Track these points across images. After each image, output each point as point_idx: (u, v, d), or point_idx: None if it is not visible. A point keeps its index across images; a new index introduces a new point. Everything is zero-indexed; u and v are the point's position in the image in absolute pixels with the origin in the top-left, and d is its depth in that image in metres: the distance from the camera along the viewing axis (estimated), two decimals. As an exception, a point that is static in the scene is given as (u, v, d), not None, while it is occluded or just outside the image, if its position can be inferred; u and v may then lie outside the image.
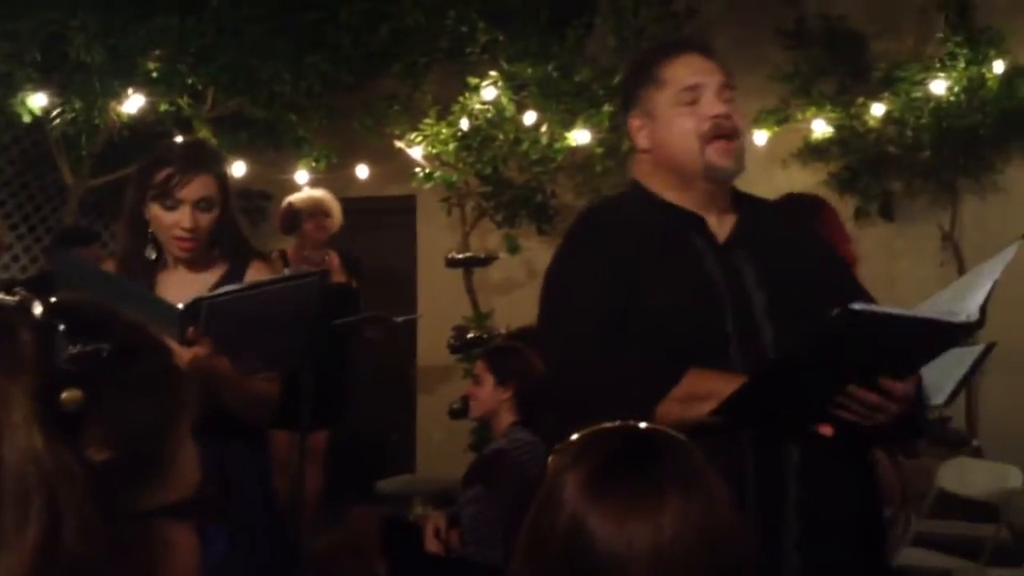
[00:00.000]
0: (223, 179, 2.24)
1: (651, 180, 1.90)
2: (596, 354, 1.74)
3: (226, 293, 2.04)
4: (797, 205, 2.99)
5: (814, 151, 5.40)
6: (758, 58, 5.45)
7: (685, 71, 1.84)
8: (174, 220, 2.14)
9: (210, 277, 2.22)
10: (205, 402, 2.06)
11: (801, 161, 5.52)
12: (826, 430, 1.67)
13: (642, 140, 1.89)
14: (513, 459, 3.04)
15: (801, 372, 1.64)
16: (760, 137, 5.34)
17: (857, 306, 1.52)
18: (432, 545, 2.99)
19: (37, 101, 4.70)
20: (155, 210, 2.15)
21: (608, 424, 1.02)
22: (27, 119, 4.76)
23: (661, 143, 1.85)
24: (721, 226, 1.88)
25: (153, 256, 2.21)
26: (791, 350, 1.68)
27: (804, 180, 5.56)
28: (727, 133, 1.81)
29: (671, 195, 1.87)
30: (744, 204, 1.94)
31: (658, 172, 1.89)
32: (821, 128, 5.24)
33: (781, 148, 5.47)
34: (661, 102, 1.84)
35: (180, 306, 1.97)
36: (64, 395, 0.60)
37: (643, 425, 1.03)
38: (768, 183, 5.46)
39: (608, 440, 1.00)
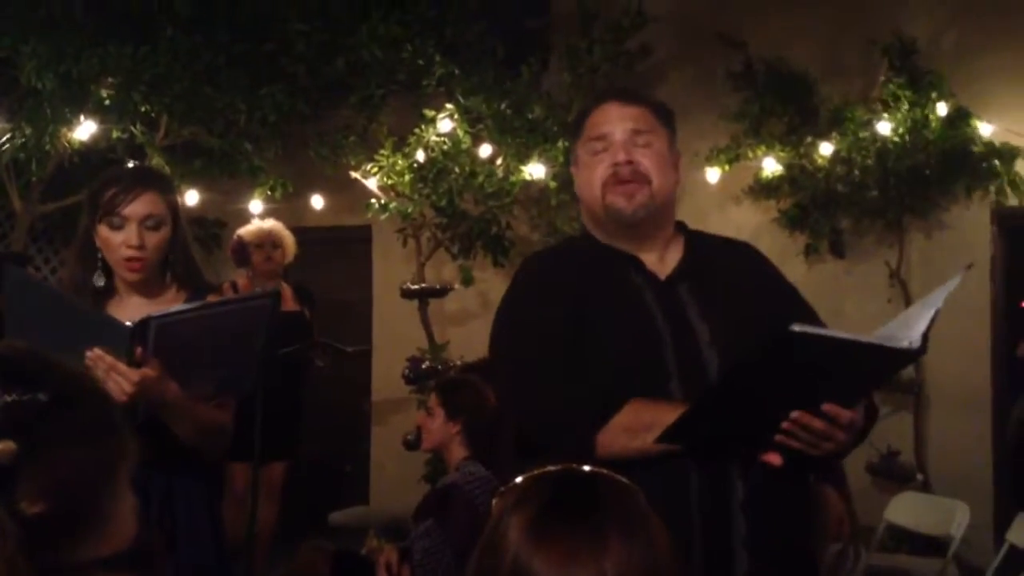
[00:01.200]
0: (171, 199, 2.20)
1: (590, 224, 1.98)
2: (539, 385, 1.77)
3: (176, 313, 1.99)
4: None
5: (765, 188, 5.51)
6: (710, 98, 5.56)
7: (597, 120, 1.93)
8: (121, 239, 2.11)
9: (165, 303, 2.17)
10: (153, 431, 2.02)
11: (752, 198, 5.62)
12: (773, 459, 1.67)
13: (577, 188, 2.00)
14: (465, 494, 3.03)
15: (744, 396, 1.64)
16: (712, 174, 5.43)
17: (798, 328, 1.52)
18: (383, 580, 2.95)
19: (-15, 126, 4.64)
20: (103, 231, 2.12)
21: (551, 467, 1.03)
22: (-26, 145, 4.69)
23: (579, 189, 1.96)
24: (664, 263, 1.92)
25: (101, 283, 2.17)
26: (732, 372, 1.69)
27: (755, 217, 5.67)
28: (625, 178, 1.87)
29: (603, 236, 1.94)
30: (691, 240, 1.98)
31: (587, 216, 1.98)
32: (771, 166, 5.34)
33: (733, 185, 5.57)
34: (580, 151, 1.95)
35: (128, 324, 1.93)
36: None
37: (586, 468, 1.04)
38: (721, 219, 5.56)
39: (551, 483, 1.00)
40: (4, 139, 4.73)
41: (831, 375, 1.63)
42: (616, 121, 1.90)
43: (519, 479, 1.03)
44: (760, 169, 5.42)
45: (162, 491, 2.12)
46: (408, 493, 5.70)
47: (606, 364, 1.77)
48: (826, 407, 1.63)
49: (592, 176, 1.89)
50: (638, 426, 1.70)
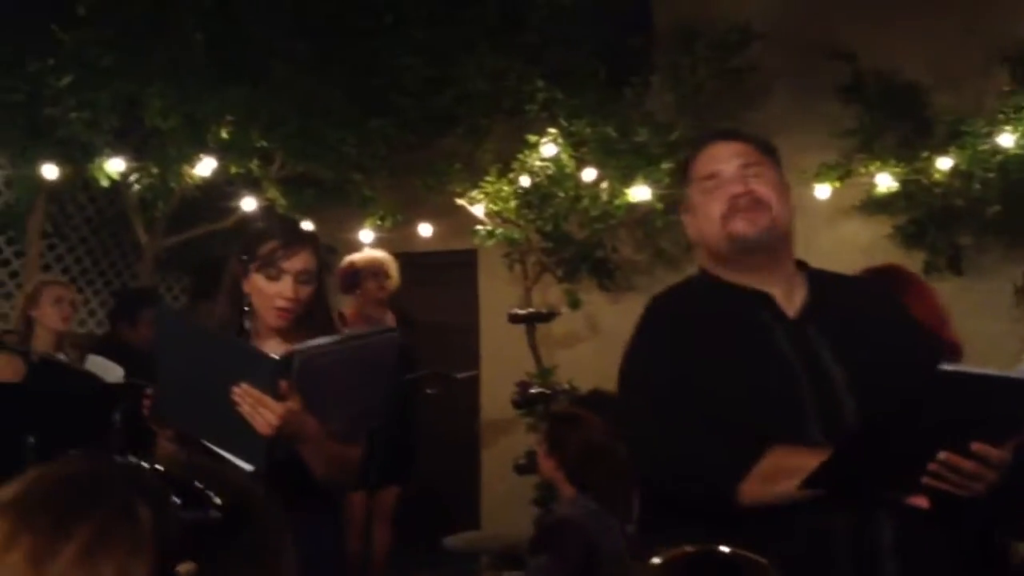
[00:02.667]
0: (320, 257, 2.32)
1: (709, 266, 1.97)
2: (674, 438, 1.75)
3: (318, 347, 2.05)
4: (884, 278, 2.95)
5: (878, 204, 5.35)
6: (818, 113, 5.45)
7: (704, 161, 1.95)
8: (276, 290, 2.21)
9: None
10: (286, 466, 2.07)
11: (864, 214, 5.47)
12: (920, 502, 1.63)
13: (691, 233, 2.00)
14: (579, 528, 3.02)
15: (890, 439, 1.61)
16: (822, 191, 5.31)
17: (948, 367, 1.50)
18: (499, 613, 2.98)
19: (114, 166, 4.87)
20: (258, 280, 2.22)
21: (690, 547, 1.03)
22: (105, 183, 4.93)
23: (698, 231, 1.96)
24: (790, 301, 1.88)
25: (248, 325, 2.28)
26: (879, 416, 1.64)
27: (868, 233, 5.52)
28: (744, 207, 1.87)
29: (733, 273, 1.91)
30: (814, 279, 1.95)
31: (710, 258, 1.96)
32: (885, 182, 5.19)
33: (844, 201, 5.44)
34: (692, 194, 1.96)
35: (275, 357, 2.00)
36: (181, 568, 0.62)
37: (725, 549, 1.03)
38: (832, 236, 5.44)
39: (690, 565, 1.00)
40: (133, 179, 4.96)
41: (980, 413, 1.59)
42: (725, 158, 1.92)
43: (657, 559, 1.03)
44: (873, 185, 5.27)
45: (295, 526, 2.18)
46: (519, 516, 5.73)
47: (741, 408, 1.74)
48: (975, 447, 1.59)
49: (709, 212, 1.90)
50: (779, 473, 1.67)
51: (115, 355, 4.22)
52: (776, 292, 1.88)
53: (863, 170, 5.26)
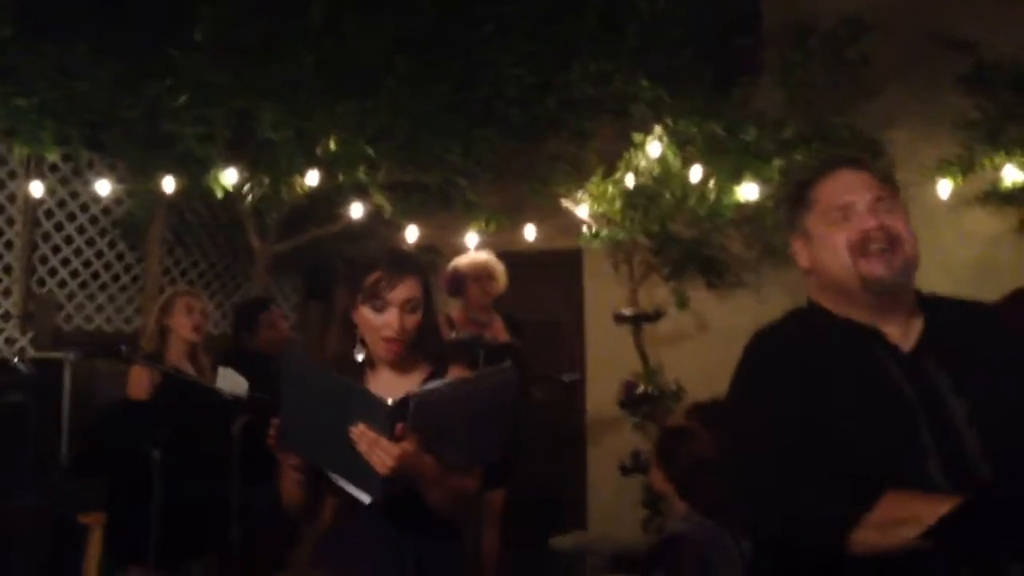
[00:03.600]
0: (427, 283, 2.33)
1: (821, 298, 1.88)
2: (784, 486, 1.69)
3: (432, 391, 2.08)
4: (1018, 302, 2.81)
5: (1003, 197, 5.12)
6: (936, 105, 5.23)
7: (833, 189, 1.84)
8: (383, 321, 2.23)
9: (415, 378, 2.29)
10: (407, 498, 2.11)
11: (990, 206, 5.24)
12: None
13: (803, 261, 1.90)
14: (693, 545, 2.99)
15: None
16: (944, 187, 5.10)
17: None
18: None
19: (228, 177, 5.02)
20: (365, 313, 2.25)
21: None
22: (220, 194, 5.09)
23: (819, 261, 1.85)
24: (906, 334, 1.81)
25: (361, 357, 2.31)
26: (1016, 463, 1.56)
27: (992, 226, 5.29)
28: (880, 245, 1.78)
29: (843, 310, 1.84)
30: (933, 309, 1.86)
31: (824, 290, 1.87)
32: (1012, 175, 4.95)
33: (967, 193, 5.21)
34: (814, 222, 1.86)
35: (389, 402, 2.03)
36: None
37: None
38: (954, 229, 5.23)
39: None
40: (246, 189, 5.11)
41: None
42: (858, 189, 1.82)
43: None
44: (999, 178, 5.04)
45: (416, 555, 2.22)
46: (626, 517, 5.72)
47: (856, 449, 1.67)
48: None
49: (835, 244, 1.81)
50: (894, 522, 1.59)
51: (240, 363, 4.40)
52: (891, 328, 1.80)
53: (987, 162, 5.03)
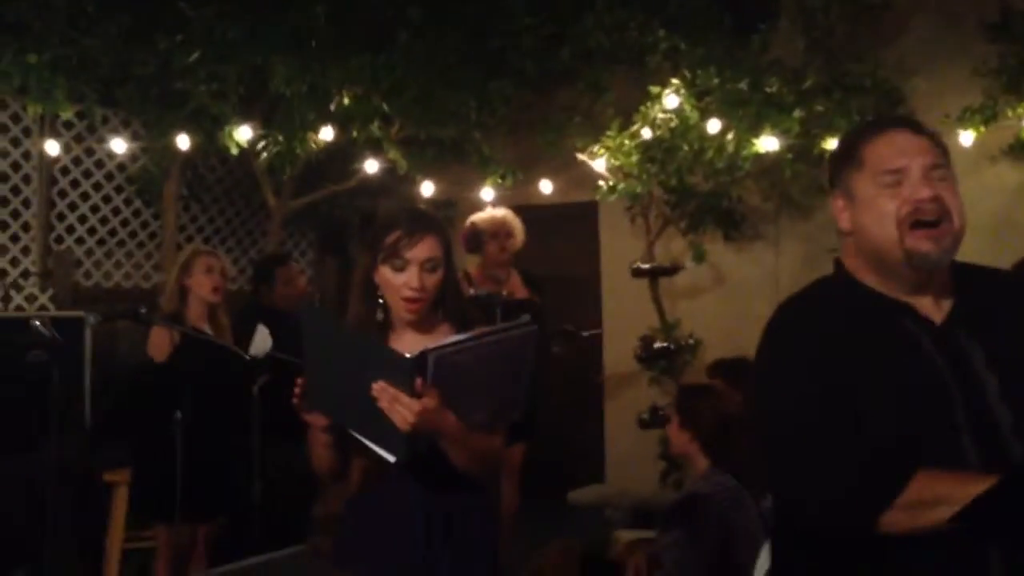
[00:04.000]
0: (447, 241, 2.29)
1: (855, 264, 1.81)
2: (813, 465, 1.66)
3: (451, 344, 2.05)
4: None
5: (1027, 148, 5.05)
6: (960, 52, 5.13)
7: (888, 151, 1.73)
8: (402, 280, 2.21)
9: (436, 338, 2.24)
10: (433, 458, 2.11)
11: (1012, 157, 5.16)
12: None
13: (843, 222, 1.80)
14: (714, 505, 3.01)
15: None
16: (966, 137, 5.02)
17: None
18: (633, 586, 3.00)
19: (243, 134, 5.00)
20: (385, 272, 2.23)
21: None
22: (235, 151, 5.07)
23: (861, 226, 1.76)
24: (939, 307, 1.75)
25: (381, 318, 2.30)
26: None
27: (1017, 178, 5.21)
28: (931, 218, 1.69)
29: (876, 280, 1.77)
30: (964, 278, 1.79)
31: (860, 255, 1.79)
32: (1035, 125, 4.88)
33: (990, 144, 5.13)
34: (861, 183, 1.75)
35: (408, 356, 2.00)
36: None
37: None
38: (976, 182, 5.16)
39: None
40: (260, 146, 5.09)
41: None
42: (912, 153, 1.72)
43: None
44: (1021, 128, 4.95)
45: (443, 513, 2.24)
46: (644, 470, 5.76)
47: (887, 425, 1.63)
48: None
49: (884, 210, 1.71)
50: (926, 502, 1.57)
51: (257, 319, 4.44)
52: (924, 301, 1.74)
53: (1010, 112, 4.94)
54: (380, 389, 1.99)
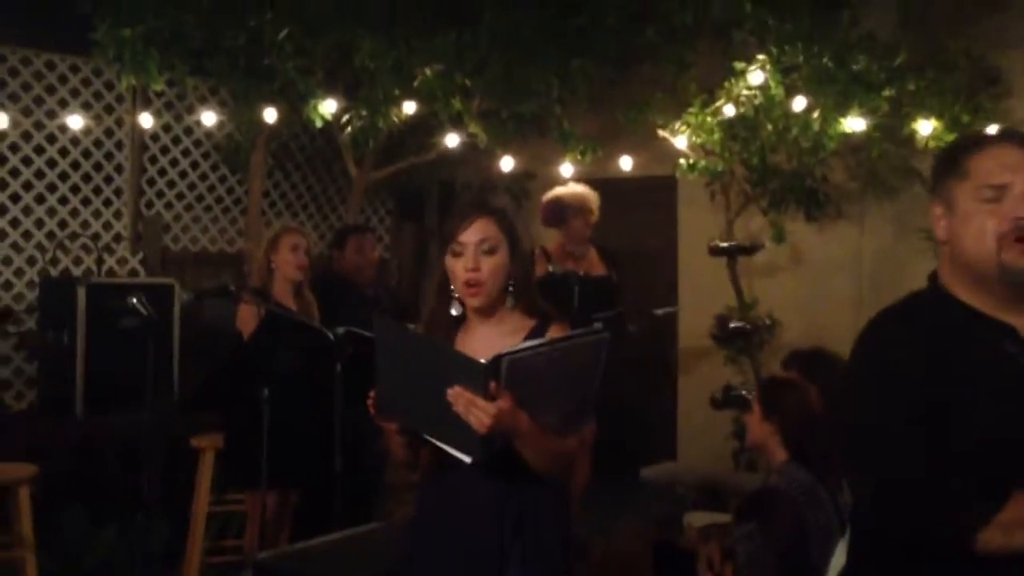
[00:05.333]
0: (506, 225, 2.30)
1: (950, 276, 1.81)
2: (910, 485, 1.67)
3: (525, 349, 2.09)
4: None
5: None
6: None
7: (992, 165, 1.73)
8: (461, 265, 2.25)
9: (510, 329, 2.30)
10: (508, 456, 2.16)
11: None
12: None
13: (940, 231, 1.81)
14: (789, 499, 3.00)
15: None
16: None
17: None
18: (706, 576, 3.03)
19: (327, 108, 5.07)
20: (449, 261, 2.28)
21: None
22: (319, 124, 5.15)
23: (957, 238, 1.77)
24: None
25: (456, 312, 2.34)
26: None
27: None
28: None
29: (969, 294, 1.77)
30: None
31: (955, 267, 1.80)
32: None
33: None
34: (962, 195, 1.76)
35: (482, 361, 2.05)
36: None
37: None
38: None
39: None
40: (344, 120, 5.16)
41: None
42: (1017, 169, 1.72)
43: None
44: None
45: (515, 510, 2.29)
46: (715, 446, 5.75)
47: (982, 449, 1.65)
48: None
49: (983, 226, 1.72)
50: (1022, 523, 1.59)
51: (329, 284, 4.60)
52: (1020, 319, 1.74)
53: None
54: (456, 394, 2.04)
